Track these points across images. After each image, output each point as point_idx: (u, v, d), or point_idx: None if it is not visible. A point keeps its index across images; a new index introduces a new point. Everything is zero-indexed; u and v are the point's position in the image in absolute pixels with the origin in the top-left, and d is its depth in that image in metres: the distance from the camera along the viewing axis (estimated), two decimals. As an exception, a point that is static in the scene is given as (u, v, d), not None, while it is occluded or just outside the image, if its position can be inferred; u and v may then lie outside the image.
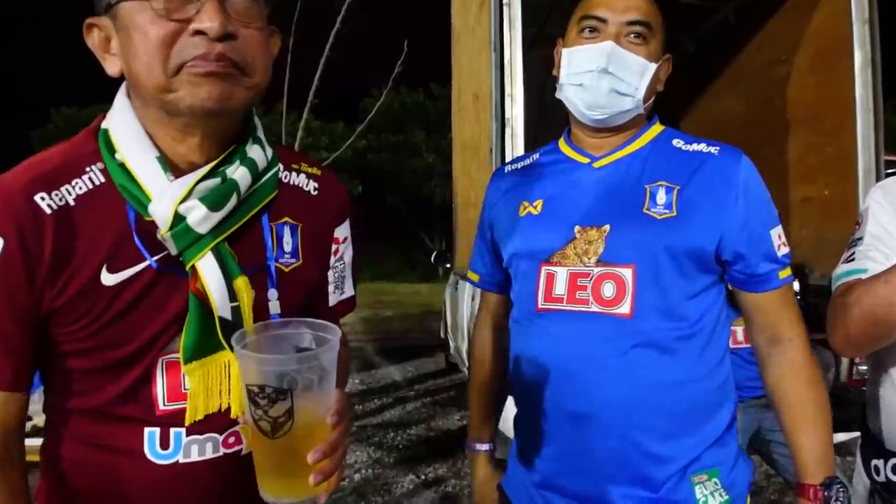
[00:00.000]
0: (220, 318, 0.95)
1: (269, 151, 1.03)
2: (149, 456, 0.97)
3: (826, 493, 1.19)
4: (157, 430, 0.97)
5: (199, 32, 0.86)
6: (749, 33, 4.54)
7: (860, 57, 3.53)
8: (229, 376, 0.97)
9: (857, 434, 1.52)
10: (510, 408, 3.76)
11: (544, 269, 1.30)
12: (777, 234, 1.29)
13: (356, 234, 1.21)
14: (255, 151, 0.99)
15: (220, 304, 0.94)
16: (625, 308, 1.22)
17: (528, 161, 1.46)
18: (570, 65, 1.31)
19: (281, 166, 1.06)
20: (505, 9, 3.45)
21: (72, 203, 0.91)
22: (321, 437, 0.86)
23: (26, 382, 0.94)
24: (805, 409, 1.26)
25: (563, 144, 1.42)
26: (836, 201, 3.69)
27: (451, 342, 7.20)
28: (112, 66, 0.94)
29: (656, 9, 1.30)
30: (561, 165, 1.39)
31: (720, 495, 1.24)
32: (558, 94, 1.36)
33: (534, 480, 1.33)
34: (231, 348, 0.90)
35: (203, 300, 0.94)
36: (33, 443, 1.00)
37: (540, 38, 5.24)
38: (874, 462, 1.41)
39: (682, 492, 1.22)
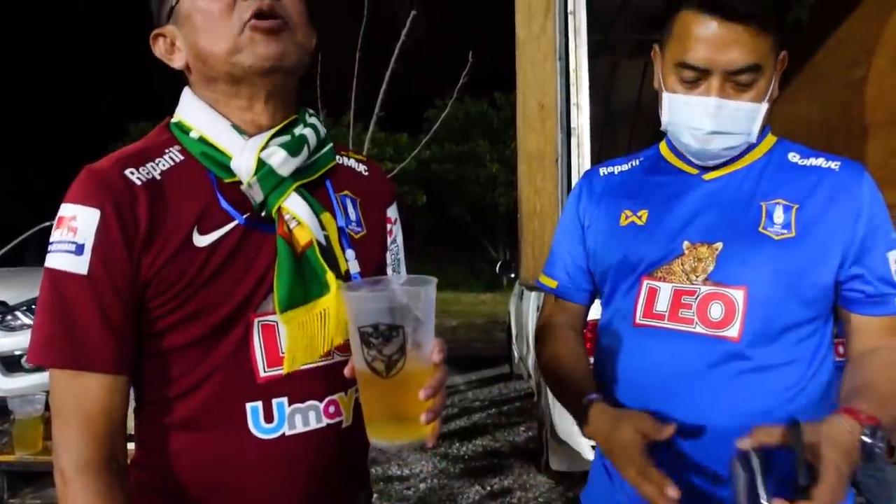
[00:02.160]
0: (319, 245, 1.02)
1: (322, 127, 1.13)
2: (254, 432, 1.00)
3: (872, 429, 1.01)
4: (259, 403, 1.00)
5: None
6: (824, 34, 4.38)
7: (944, 56, 3.37)
8: (325, 326, 1.01)
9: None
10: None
11: (646, 283, 1.24)
12: (895, 259, 1.21)
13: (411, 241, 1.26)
14: (313, 120, 1.12)
15: (316, 232, 1.02)
16: (733, 332, 1.16)
17: (626, 166, 1.40)
18: (673, 114, 1.22)
19: (333, 147, 1.15)
20: (570, 17, 3.43)
21: (158, 177, 0.99)
22: (429, 376, 0.90)
23: (128, 366, 0.97)
24: (887, 371, 1.14)
25: (666, 151, 1.35)
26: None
27: (515, 352, 7.17)
28: (178, 61, 1.06)
29: (766, 30, 1.14)
30: (667, 175, 1.32)
31: None
32: (664, 128, 1.27)
33: (619, 500, 1.28)
34: (335, 273, 1.01)
35: (292, 243, 1.00)
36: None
37: (605, 46, 5.22)
38: None
39: None
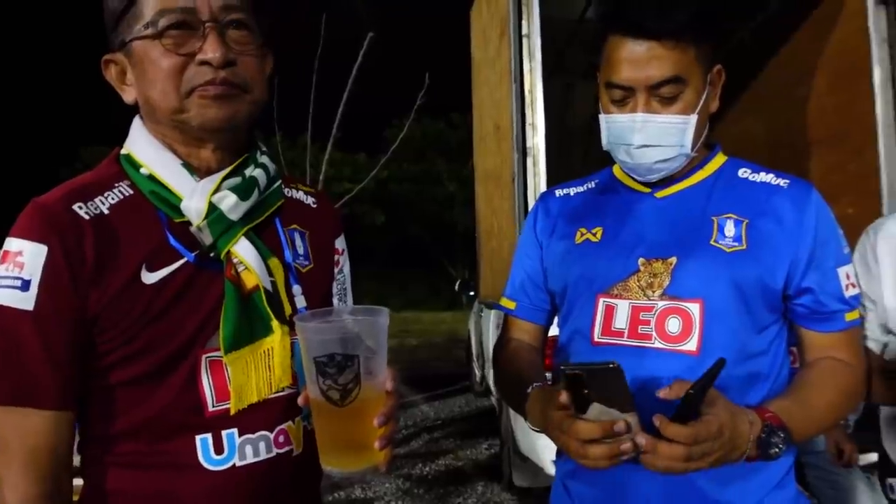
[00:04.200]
0: (265, 290, 1.03)
1: (273, 165, 1.14)
2: (204, 464, 0.99)
3: (772, 428, 1.07)
4: (209, 435, 0.99)
5: (204, 62, 0.98)
6: (767, 54, 4.55)
7: (879, 75, 3.52)
8: (270, 367, 1.02)
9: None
10: (539, 434, 3.73)
11: (602, 301, 1.25)
12: (846, 274, 1.24)
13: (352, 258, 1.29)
14: (264, 159, 1.12)
15: (262, 277, 1.03)
16: (691, 345, 1.17)
17: (582, 187, 1.43)
18: (609, 133, 1.25)
19: (282, 182, 1.17)
20: (524, 40, 3.51)
21: (106, 212, 0.99)
22: (382, 404, 0.93)
23: (73, 402, 0.97)
24: (821, 384, 1.19)
25: (619, 171, 1.37)
26: (861, 219, 3.67)
27: (476, 370, 7.19)
28: (128, 95, 1.06)
29: (687, 44, 1.17)
30: (620, 193, 1.35)
31: None
32: (604, 148, 1.30)
33: None
34: (278, 319, 1.02)
35: (239, 286, 1.01)
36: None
37: (559, 67, 5.32)
38: (889, 480, 1.47)
39: None
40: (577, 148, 6.55)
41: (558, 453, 1.37)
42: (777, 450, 1.06)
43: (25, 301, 0.92)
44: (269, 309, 1.02)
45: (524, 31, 3.54)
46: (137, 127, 1.08)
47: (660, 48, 1.15)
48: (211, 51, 0.97)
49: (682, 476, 1.04)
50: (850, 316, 1.23)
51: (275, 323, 1.03)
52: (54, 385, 0.93)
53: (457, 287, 7.87)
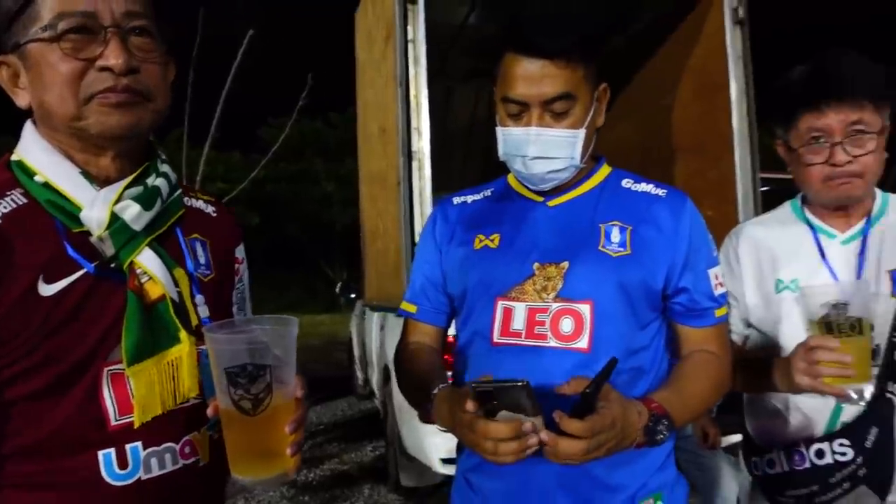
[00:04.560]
0: (172, 300, 1.01)
1: (174, 173, 1.12)
2: (108, 479, 0.96)
3: (658, 416, 1.19)
4: (112, 450, 0.96)
5: (105, 68, 0.95)
6: (638, 65, 4.84)
7: (735, 89, 3.85)
8: (175, 378, 1.00)
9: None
10: (427, 433, 3.77)
11: (501, 304, 1.31)
12: (714, 275, 1.37)
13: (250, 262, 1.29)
14: (165, 167, 1.09)
15: (168, 287, 1.01)
16: (583, 343, 1.26)
17: (478, 195, 1.49)
18: (504, 145, 1.33)
19: (181, 190, 1.15)
20: (410, 45, 3.55)
21: None
22: (293, 411, 0.94)
23: None
24: (696, 375, 1.32)
25: (513, 181, 1.44)
26: (720, 222, 3.99)
27: (358, 373, 7.16)
28: (22, 100, 1.01)
29: (576, 64, 1.27)
30: (515, 202, 1.41)
31: None
32: (501, 158, 1.37)
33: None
34: (185, 329, 1.00)
35: (142, 297, 0.98)
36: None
37: (440, 71, 5.40)
38: (753, 458, 1.59)
39: None
40: (457, 151, 6.69)
41: (459, 449, 1.42)
42: (662, 436, 1.18)
43: None
44: (176, 319, 1.00)
45: (410, 35, 3.58)
46: (30, 132, 1.02)
47: (552, 67, 1.24)
48: (113, 57, 0.95)
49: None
50: (720, 312, 1.37)
51: (182, 333, 1.01)
52: None
53: (338, 289, 7.81)
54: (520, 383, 1.03)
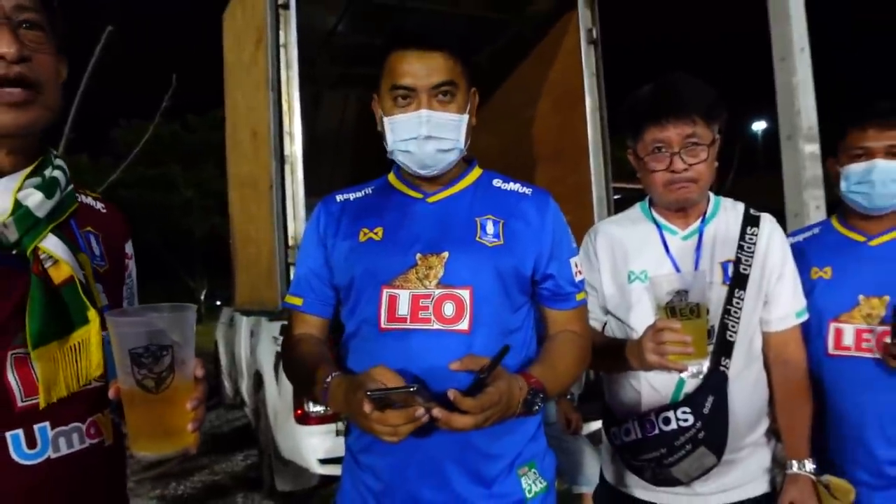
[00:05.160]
0: (82, 285, 1.03)
1: (66, 168, 1.14)
2: (16, 459, 0.96)
3: (535, 390, 1.33)
4: (20, 430, 0.97)
5: None
6: (500, 79, 5.10)
7: (590, 103, 4.18)
8: (82, 359, 1.02)
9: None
10: (303, 436, 3.78)
11: (386, 292, 1.40)
12: (575, 263, 1.53)
13: None
14: (59, 161, 1.11)
15: (75, 269, 1.03)
16: (464, 325, 1.37)
17: (360, 193, 1.57)
18: (394, 132, 1.42)
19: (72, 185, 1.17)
20: (282, 50, 3.57)
21: None
22: (194, 390, 0.99)
23: None
24: (564, 352, 1.48)
25: (394, 180, 1.55)
26: (576, 226, 4.27)
27: (226, 383, 6.98)
28: None
29: (455, 58, 1.41)
30: (396, 198, 1.51)
31: (539, 482, 1.45)
32: (390, 156, 1.48)
33: (374, 491, 1.43)
34: (95, 310, 1.03)
35: (46, 281, 0.99)
36: None
37: (310, 77, 5.43)
38: (612, 429, 1.77)
39: (510, 484, 1.41)
40: (327, 156, 6.71)
41: (347, 433, 1.53)
42: (537, 407, 1.32)
43: None
44: (85, 298, 1.02)
45: (282, 40, 3.60)
46: None
47: (439, 57, 1.38)
48: (5, 45, 0.95)
49: (461, 436, 1.27)
50: (580, 296, 1.54)
51: (91, 312, 1.03)
52: None
53: (203, 297, 7.58)
54: (412, 388, 1.15)
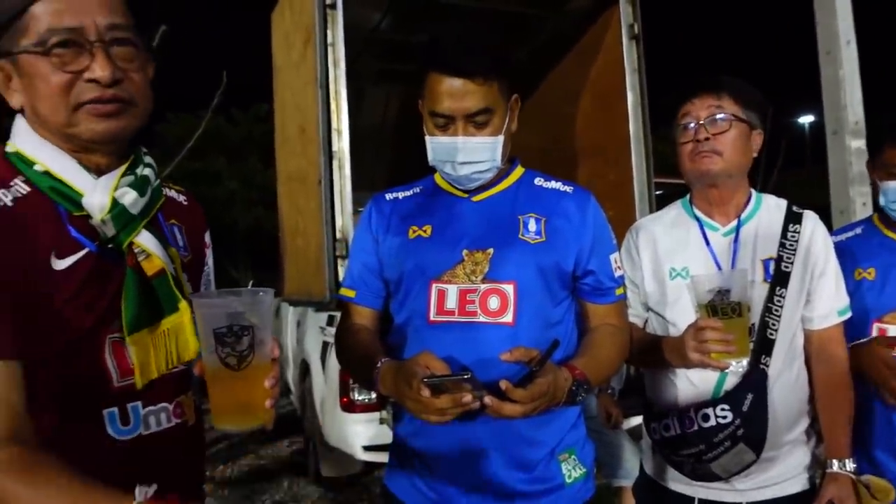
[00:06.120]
0: (173, 277, 1.12)
1: (155, 165, 1.22)
2: (112, 434, 1.06)
3: (579, 382, 1.39)
4: (115, 409, 1.07)
5: (92, 80, 1.03)
6: (541, 76, 5.12)
7: (632, 99, 4.18)
8: (173, 343, 1.12)
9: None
10: (349, 423, 3.88)
11: (435, 286, 1.49)
12: (614, 259, 1.59)
13: None
14: (149, 159, 1.19)
15: (167, 262, 1.12)
16: (508, 317, 1.45)
17: (409, 192, 1.65)
18: (434, 152, 1.50)
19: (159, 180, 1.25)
20: (329, 48, 3.66)
21: (9, 204, 1.02)
22: (271, 369, 1.06)
23: (21, 353, 0.98)
24: (605, 344, 1.54)
25: (440, 180, 1.62)
26: (618, 222, 4.29)
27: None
28: (15, 101, 1.09)
29: (492, 81, 1.44)
30: (443, 197, 1.59)
31: (579, 469, 1.52)
32: (431, 163, 1.55)
33: (422, 474, 1.51)
34: (185, 300, 1.11)
35: (140, 273, 1.09)
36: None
37: (353, 73, 5.52)
38: (652, 424, 1.81)
39: (551, 470, 1.49)
40: (370, 151, 6.81)
41: (396, 419, 1.62)
42: (581, 397, 1.39)
43: None
44: (175, 290, 1.12)
45: (329, 39, 3.69)
46: (24, 127, 1.10)
47: (472, 84, 1.44)
48: (99, 69, 1.02)
49: (505, 423, 1.33)
50: (619, 291, 1.60)
51: (182, 302, 1.12)
52: (10, 334, 0.95)
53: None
54: (465, 376, 1.23)
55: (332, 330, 4.07)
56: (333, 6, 3.70)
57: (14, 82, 1.07)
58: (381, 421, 3.64)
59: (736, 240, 1.75)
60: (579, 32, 4.65)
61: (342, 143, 3.71)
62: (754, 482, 1.69)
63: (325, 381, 4.06)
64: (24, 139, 1.10)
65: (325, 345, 4.13)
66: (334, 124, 3.69)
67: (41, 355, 1.01)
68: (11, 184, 1.05)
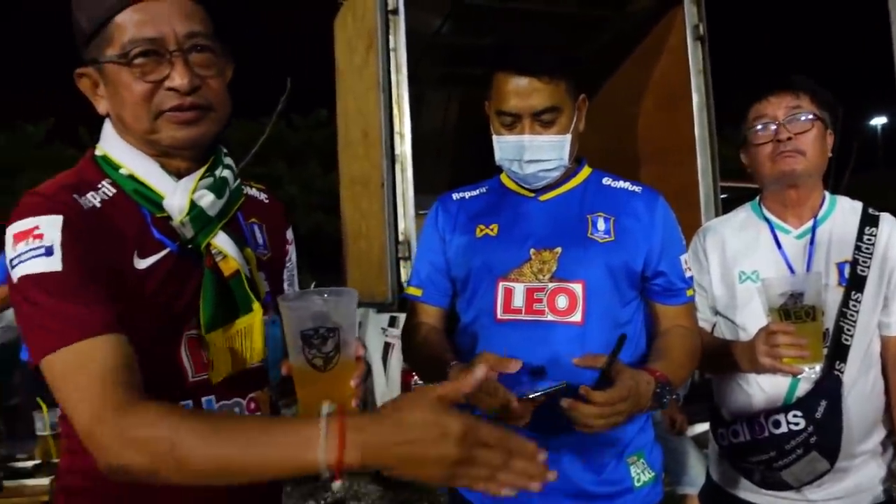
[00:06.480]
0: (247, 278, 1.15)
1: (233, 165, 1.25)
2: None
3: (663, 383, 1.36)
4: (190, 402, 1.11)
5: (172, 88, 1.07)
6: (602, 77, 5.07)
7: (697, 101, 4.10)
8: (248, 341, 1.15)
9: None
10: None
11: (502, 285, 1.50)
12: (684, 260, 1.58)
13: None
14: (228, 160, 1.22)
15: (241, 264, 1.15)
16: (577, 317, 1.45)
17: (475, 192, 1.67)
18: (501, 151, 1.52)
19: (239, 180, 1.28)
20: (392, 54, 3.71)
21: (98, 205, 1.07)
22: (355, 368, 1.08)
23: (121, 327, 0.99)
24: (679, 346, 1.51)
25: (506, 180, 1.63)
26: (683, 225, 4.20)
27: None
28: (102, 107, 1.14)
29: (559, 80, 1.45)
30: (510, 197, 1.60)
31: (647, 472, 1.52)
32: (497, 162, 1.56)
33: None
34: (258, 300, 1.14)
35: (217, 273, 1.12)
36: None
37: (414, 77, 5.57)
38: (720, 430, 1.78)
39: (620, 472, 1.48)
40: (428, 154, 6.86)
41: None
42: (667, 399, 1.36)
43: (54, 263, 0.97)
44: (249, 291, 1.15)
45: (392, 44, 3.74)
46: (111, 133, 1.15)
47: (539, 83, 1.44)
48: (179, 77, 1.06)
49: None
50: (689, 292, 1.59)
51: (255, 304, 1.16)
52: (101, 315, 0.97)
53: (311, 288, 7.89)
54: (562, 386, 1.25)
55: (394, 331, 4.17)
56: (395, 12, 3.74)
57: (101, 89, 1.12)
58: (441, 422, 3.64)
59: (812, 242, 1.71)
60: (642, 33, 4.59)
61: (404, 147, 3.75)
62: (827, 493, 1.64)
63: (387, 382, 4.10)
64: (111, 143, 1.15)
65: (387, 346, 4.17)
66: (396, 128, 3.73)
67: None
68: (99, 186, 1.10)
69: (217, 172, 1.18)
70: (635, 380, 1.30)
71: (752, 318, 1.71)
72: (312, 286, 7.76)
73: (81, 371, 0.94)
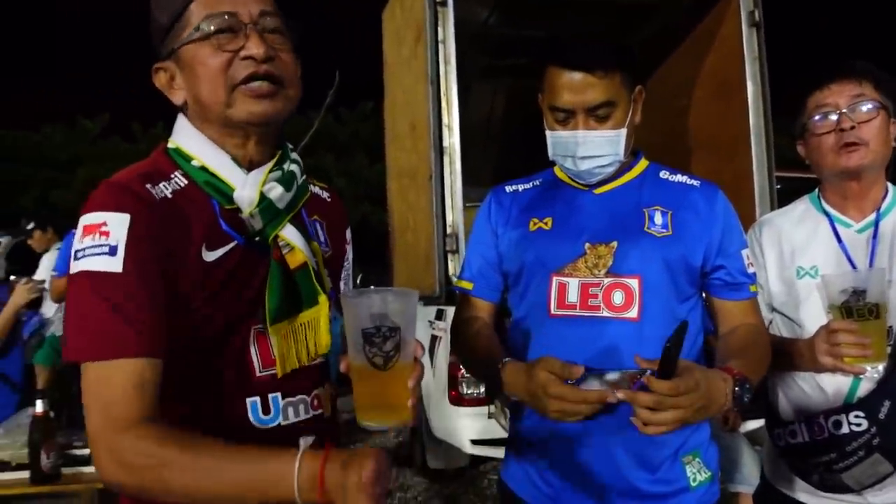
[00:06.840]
0: (314, 270, 1.16)
1: (300, 161, 1.26)
2: (253, 422, 1.11)
3: (741, 382, 1.30)
4: (257, 398, 1.12)
5: (248, 57, 1.09)
6: (652, 68, 4.98)
7: (752, 90, 4.00)
8: (314, 334, 1.16)
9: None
10: (457, 416, 3.91)
11: (555, 279, 1.47)
12: (746, 255, 1.53)
13: None
14: (294, 155, 1.23)
15: (309, 256, 1.17)
16: (633, 313, 1.42)
17: (529, 185, 1.64)
18: (554, 147, 1.49)
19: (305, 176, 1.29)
20: (440, 45, 3.71)
21: (169, 196, 1.09)
22: (413, 369, 1.07)
23: (163, 351, 1.01)
24: (753, 343, 1.46)
25: (560, 173, 1.60)
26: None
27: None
28: (178, 98, 1.16)
29: (613, 73, 1.41)
30: (564, 190, 1.57)
31: (703, 472, 1.48)
32: (551, 157, 1.53)
33: (541, 471, 1.50)
34: (324, 293, 1.15)
35: (284, 266, 1.13)
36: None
37: (461, 68, 5.56)
38: (776, 430, 1.73)
39: (675, 471, 1.45)
40: (474, 146, 6.84)
41: (517, 416, 1.59)
42: (747, 397, 1.30)
43: (115, 264, 0.99)
44: (316, 283, 1.16)
45: (440, 36, 3.74)
46: (185, 124, 1.17)
47: (592, 77, 1.41)
48: (254, 47, 1.08)
49: (629, 421, 1.23)
50: (753, 288, 1.54)
51: (322, 296, 1.17)
52: (139, 337, 0.98)
53: (357, 282, 7.97)
54: (640, 371, 1.23)
55: (441, 324, 4.18)
56: (444, 3, 3.74)
57: (177, 80, 1.14)
58: (489, 415, 3.66)
59: (874, 236, 1.64)
60: (695, 20, 4.49)
61: (452, 139, 3.75)
62: (889, 496, 1.58)
63: (434, 375, 4.12)
64: (184, 135, 1.17)
65: (434, 338, 4.19)
66: (445, 120, 3.74)
67: (186, 347, 1.05)
68: (171, 176, 1.12)
69: (285, 166, 1.19)
70: (704, 375, 1.24)
71: (811, 316, 1.66)
72: (359, 278, 7.84)
73: (104, 385, 0.98)
